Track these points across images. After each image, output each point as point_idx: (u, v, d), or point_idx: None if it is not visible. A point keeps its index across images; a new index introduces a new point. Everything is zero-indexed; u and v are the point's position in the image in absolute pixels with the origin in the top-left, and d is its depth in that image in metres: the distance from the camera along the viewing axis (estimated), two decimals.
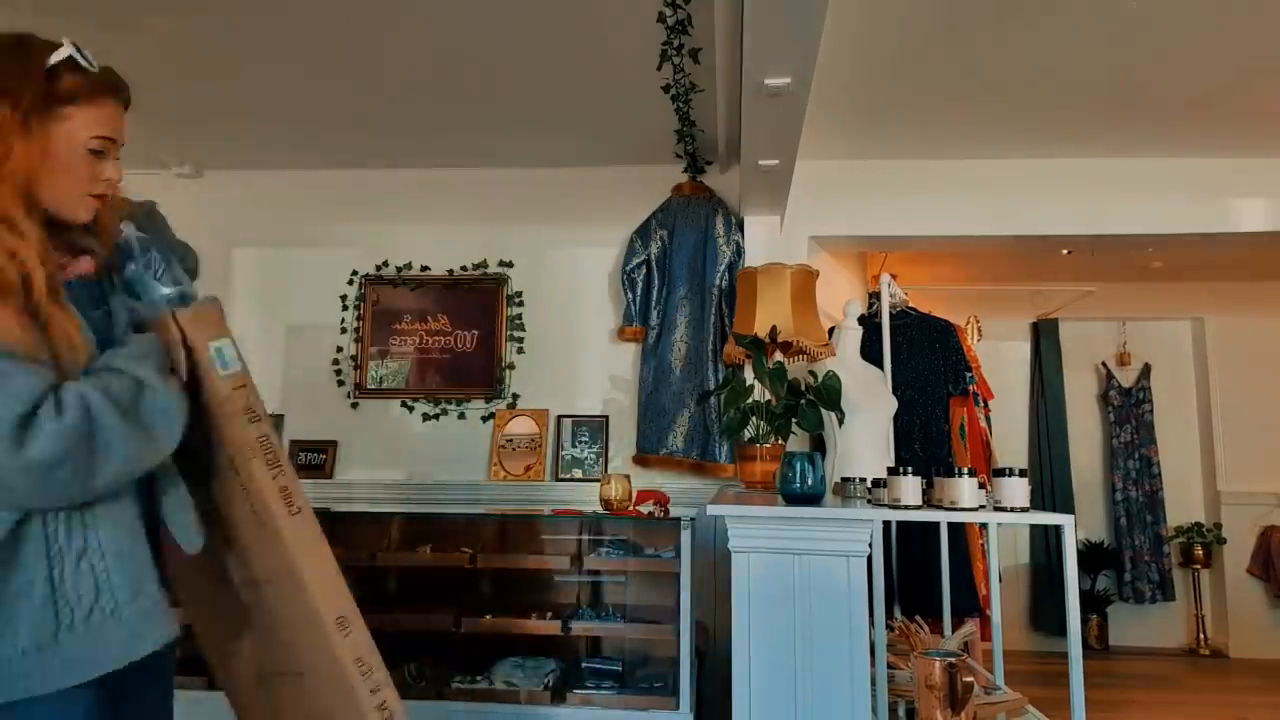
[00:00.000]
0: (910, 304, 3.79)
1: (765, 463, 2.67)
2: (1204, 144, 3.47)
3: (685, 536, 2.79)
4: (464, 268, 3.87)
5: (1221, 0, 2.47)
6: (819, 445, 3.41)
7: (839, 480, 2.45)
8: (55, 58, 1.14)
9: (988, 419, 3.95)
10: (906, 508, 1.85)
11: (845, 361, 3.04)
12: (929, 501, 1.89)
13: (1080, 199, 3.61)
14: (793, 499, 1.96)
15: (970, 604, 3.34)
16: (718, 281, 3.55)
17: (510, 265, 3.86)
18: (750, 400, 2.83)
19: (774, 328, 3.01)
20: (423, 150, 3.75)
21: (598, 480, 3.25)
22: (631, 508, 3.01)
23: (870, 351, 3.35)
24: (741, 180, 3.25)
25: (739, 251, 3.60)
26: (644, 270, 3.68)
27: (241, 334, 4.23)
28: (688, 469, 3.52)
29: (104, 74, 1.19)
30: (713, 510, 1.93)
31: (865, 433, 2.89)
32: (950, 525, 2.85)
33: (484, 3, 2.56)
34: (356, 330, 3.87)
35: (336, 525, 3.27)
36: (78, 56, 1.15)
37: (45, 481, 0.99)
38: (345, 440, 3.79)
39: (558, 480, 3.64)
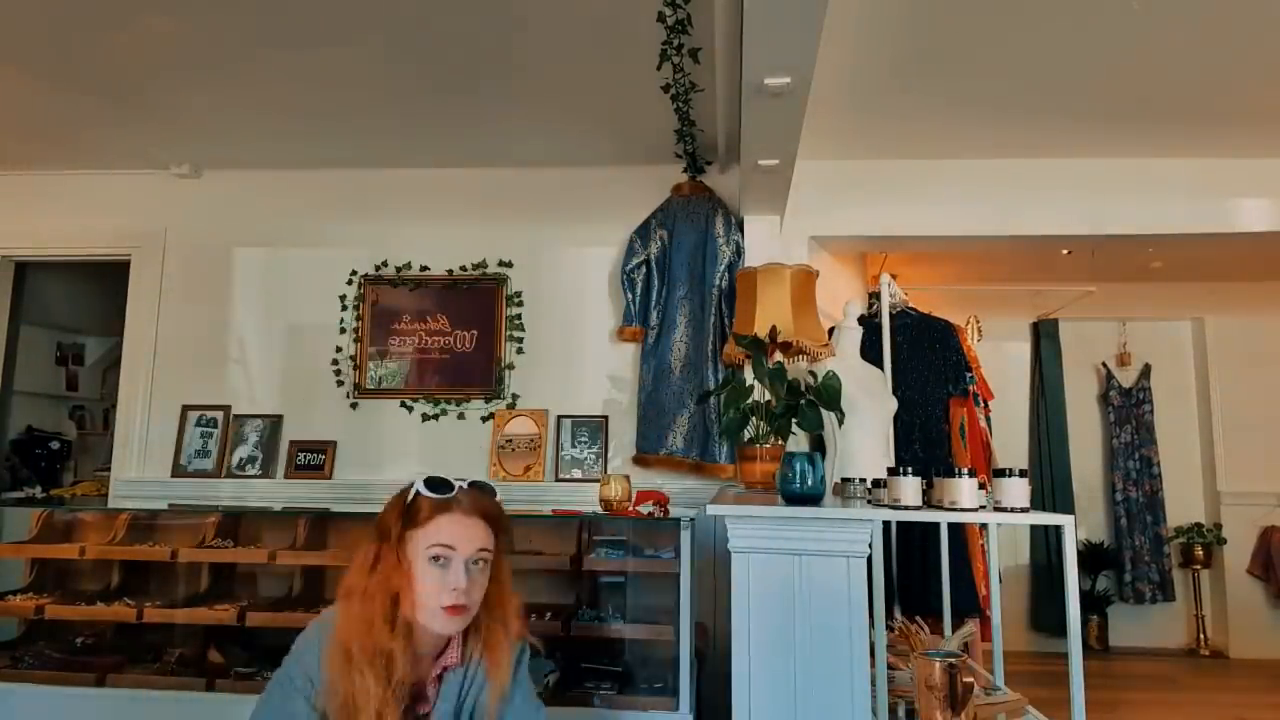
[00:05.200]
0: (910, 304, 3.79)
1: (765, 463, 2.66)
2: (1204, 144, 3.47)
3: (685, 537, 2.78)
4: (463, 268, 3.86)
5: (1222, 1, 2.47)
6: (819, 445, 3.40)
7: (839, 480, 2.45)
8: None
9: (988, 419, 3.95)
10: (906, 508, 1.85)
11: (845, 361, 3.03)
12: (929, 502, 1.89)
13: (1080, 199, 3.61)
14: (793, 499, 1.95)
15: (970, 604, 3.33)
16: (717, 281, 3.55)
17: (509, 265, 3.86)
18: (750, 400, 2.83)
19: (774, 328, 3.00)
20: (422, 150, 3.74)
21: (597, 480, 3.25)
22: (631, 508, 3.01)
23: (870, 351, 3.35)
24: (741, 180, 3.24)
25: (739, 251, 3.59)
26: (643, 270, 3.68)
27: (241, 334, 4.22)
28: (687, 469, 3.52)
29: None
30: (713, 510, 1.93)
31: (865, 433, 2.89)
32: (950, 526, 2.84)
33: (483, 3, 2.56)
34: (356, 330, 3.87)
35: (335, 526, 3.28)
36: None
37: None
38: (344, 440, 3.79)
39: (557, 480, 3.64)
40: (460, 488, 1.52)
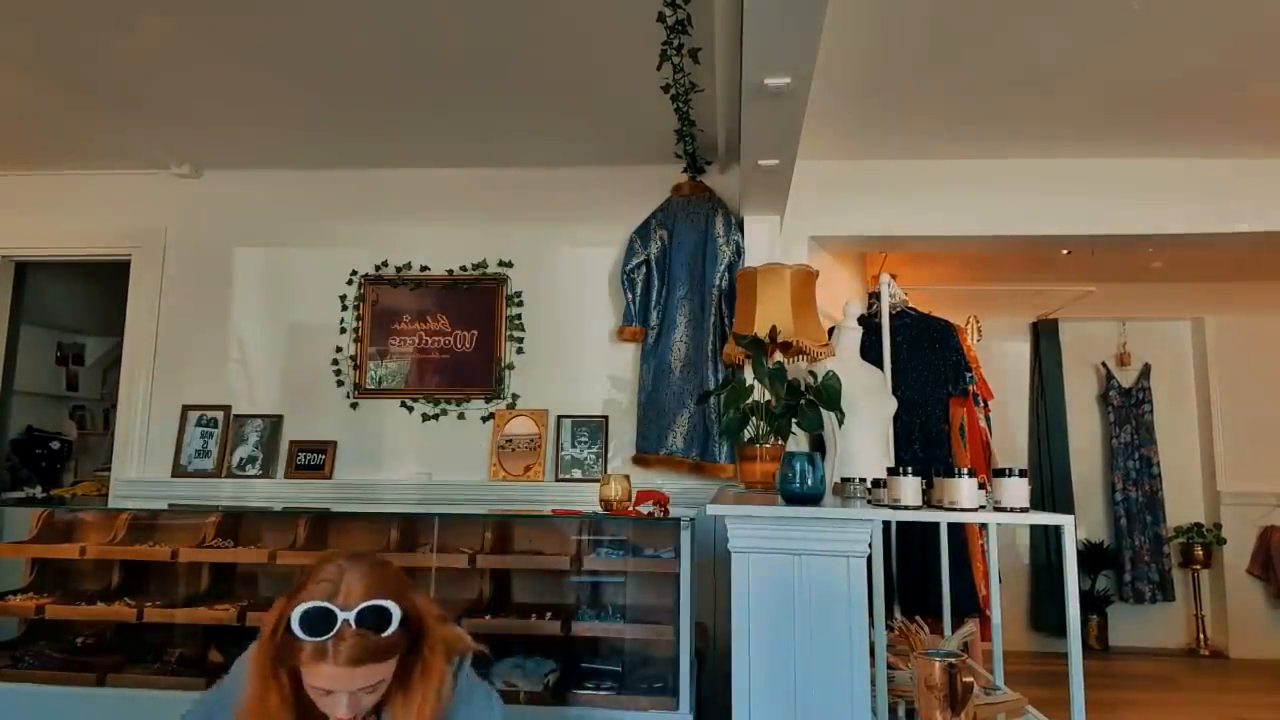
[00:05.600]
0: (910, 304, 3.79)
1: (765, 463, 2.67)
2: (1204, 144, 3.47)
3: (685, 537, 2.78)
4: (463, 268, 3.86)
5: (1222, 1, 2.47)
6: (819, 445, 3.40)
7: (839, 480, 2.45)
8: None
9: (987, 419, 3.95)
10: (906, 508, 1.85)
11: (845, 361, 3.03)
12: (929, 502, 1.89)
13: (1080, 199, 3.61)
14: (793, 499, 1.95)
15: (970, 604, 3.34)
16: (717, 281, 3.55)
17: (510, 265, 3.86)
18: (750, 400, 2.83)
19: (774, 328, 3.00)
20: (423, 150, 3.75)
21: (597, 480, 3.25)
22: (631, 508, 3.01)
23: (870, 351, 3.35)
24: (741, 180, 3.24)
25: (739, 251, 3.59)
26: (643, 270, 3.68)
27: (241, 334, 4.21)
28: (687, 469, 3.52)
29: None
30: (712, 510, 1.93)
31: (865, 433, 2.89)
32: (950, 526, 2.84)
33: (484, 3, 2.56)
34: (356, 330, 3.87)
35: (335, 526, 3.28)
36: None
37: None
38: (345, 440, 3.79)
39: (557, 480, 3.64)
40: (345, 624, 1.30)
